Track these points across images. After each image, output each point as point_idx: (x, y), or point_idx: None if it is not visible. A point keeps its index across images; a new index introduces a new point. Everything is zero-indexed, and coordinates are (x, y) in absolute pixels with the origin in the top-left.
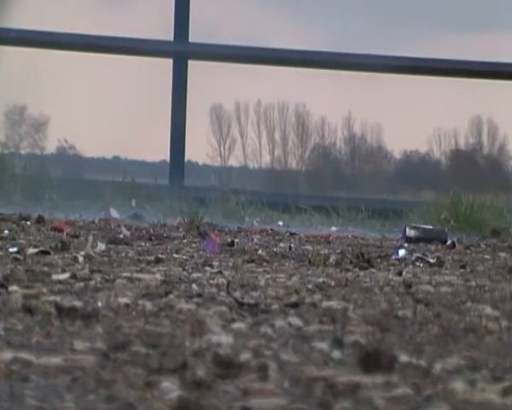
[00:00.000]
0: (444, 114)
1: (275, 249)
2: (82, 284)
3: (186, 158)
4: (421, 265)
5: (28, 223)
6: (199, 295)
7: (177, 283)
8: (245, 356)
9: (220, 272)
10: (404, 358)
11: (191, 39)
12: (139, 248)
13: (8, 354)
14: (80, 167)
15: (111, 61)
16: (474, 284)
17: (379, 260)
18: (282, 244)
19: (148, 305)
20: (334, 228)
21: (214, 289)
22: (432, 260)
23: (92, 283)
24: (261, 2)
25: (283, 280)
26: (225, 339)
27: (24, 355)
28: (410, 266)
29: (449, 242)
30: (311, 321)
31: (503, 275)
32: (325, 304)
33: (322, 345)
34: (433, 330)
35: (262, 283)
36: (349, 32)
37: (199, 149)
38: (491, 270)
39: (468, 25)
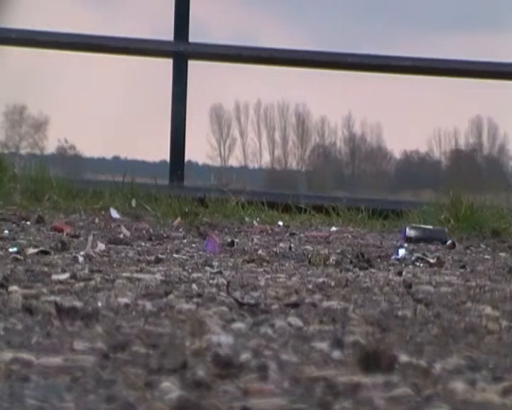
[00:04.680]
0: (444, 114)
1: (275, 249)
2: (82, 284)
3: (186, 158)
4: (421, 265)
5: (28, 223)
6: (199, 295)
7: (177, 283)
8: (245, 356)
9: (220, 272)
10: (404, 358)
11: (191, 39)
12: (139, 248)
13: (8, 354)
14: (80, 167)
15: (111, 61)
16: (474, 284)
17: (379, 260)
18: (282, 244)
19: (148, 305)
20: (334, 228)
21: (214, 289)
22: (432, 260)
23: (92, 283)
24: (261, 3)
25: (283, 280)
26: (225, 339)
27: (24, 355)
28: (410, 266)
29: (449, 242)
30: (311, 321)
31: (503, 275)
32: (325, 304)
33: (322, 345)
34: (433, 330)
35: (262, 283)
36: (349, 32)
37: (199, 149)
38: (491, 270)
39: (467, 25)
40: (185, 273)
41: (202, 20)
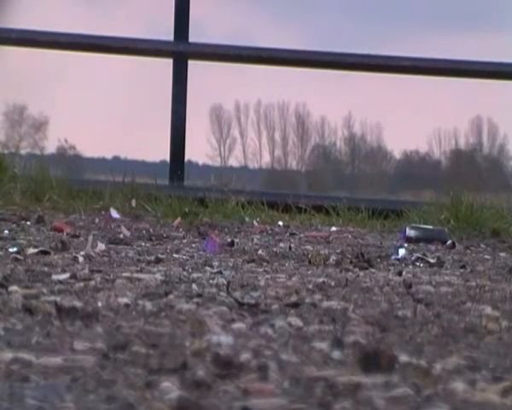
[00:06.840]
0: (444, 114)
1: (275, 249)
2: (82, 284)
3: (186, 158)
4: (421, 265)
5: (28, 223)
6: (199, 295)
7: (177, 283)
8: (245, 356)
9: (220, 272)
10: (404, 358)
11: (191, 39)
12: (139, 248)
13: (8, 354)
14: (80, 167)
15: (111, 61)
16: (474, 284)
17: (379, 260)
18: (282, 244)
19: (148, 305)
20: (334, 228)
21: (214, 289)
22: (432, 260)
23: (92, 283)
24: (262, 3)
25: (283, 280)
26: (225, 339)
27: (24, 355)
28: (410, 266)
29: (449, 242)
30: (311, 321)
31: (503, 275)
32: (325, 304)
33: (322, 345)
34: (433, 330)
35: (262, 283)
36: (349, 32)
37: (199, 149)
38: (491, 270)
39: (467, 25)
40: (185, 273)
41: (202, 20)
